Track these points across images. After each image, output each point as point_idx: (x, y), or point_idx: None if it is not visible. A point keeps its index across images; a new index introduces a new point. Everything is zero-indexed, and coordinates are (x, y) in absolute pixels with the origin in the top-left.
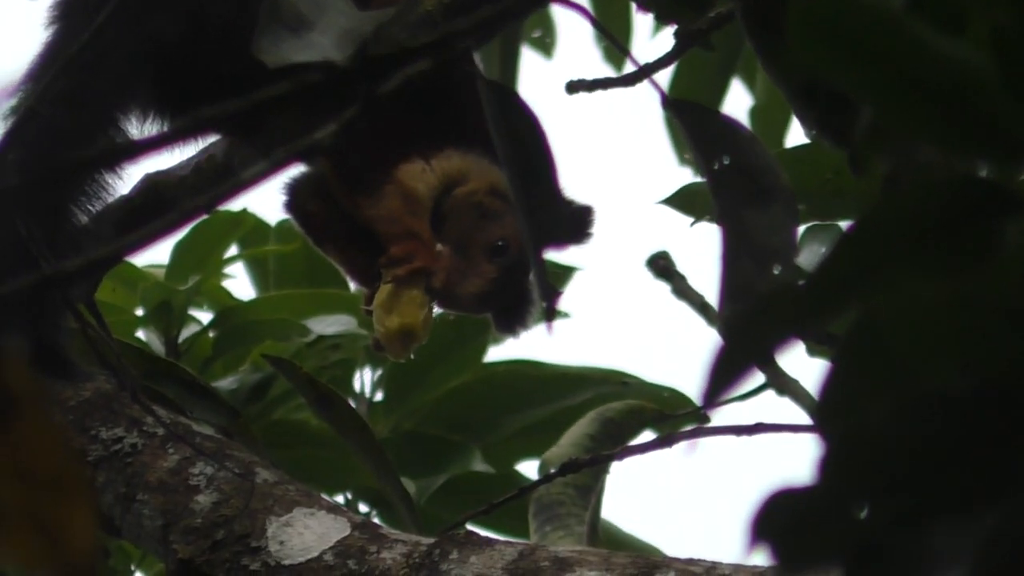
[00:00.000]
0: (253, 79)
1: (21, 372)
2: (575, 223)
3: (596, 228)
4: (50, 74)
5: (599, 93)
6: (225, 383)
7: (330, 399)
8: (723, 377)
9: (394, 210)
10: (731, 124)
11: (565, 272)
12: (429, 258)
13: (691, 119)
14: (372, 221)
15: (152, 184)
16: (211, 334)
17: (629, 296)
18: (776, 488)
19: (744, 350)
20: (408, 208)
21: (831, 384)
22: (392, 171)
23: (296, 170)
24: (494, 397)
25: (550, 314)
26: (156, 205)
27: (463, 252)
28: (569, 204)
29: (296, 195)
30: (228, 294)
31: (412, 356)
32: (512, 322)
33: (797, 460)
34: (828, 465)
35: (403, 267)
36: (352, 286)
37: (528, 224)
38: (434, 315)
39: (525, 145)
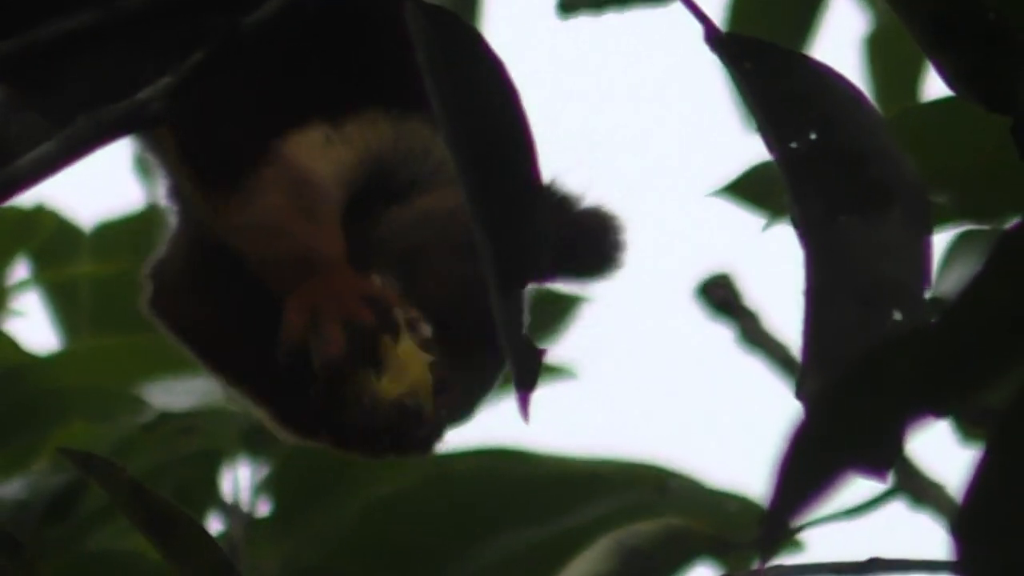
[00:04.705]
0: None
1: None
2: (587, 241)
3: (624, 251)
4: None
5: (611, 18)
6: (4, 492)
7: (171, 520)
8: (805, 481)
9: (279, 212)
10: (823, 74)
11: (565, 306)
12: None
13: (755, 65)
14: (242, 239)
15: None
16: None
17: (669, 344)
18: None
19: (840, 436)
20: (304, 206)
21: (981, 490)
22: (273, 146)
23: None
24: (452, 512)
25: (526, 381)
26: None
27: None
28: (571, 209)
29: None
30: (13, 344)
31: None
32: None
33: None
34: None
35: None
36: None
37: (492, 245)
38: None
39: (487, 114)
